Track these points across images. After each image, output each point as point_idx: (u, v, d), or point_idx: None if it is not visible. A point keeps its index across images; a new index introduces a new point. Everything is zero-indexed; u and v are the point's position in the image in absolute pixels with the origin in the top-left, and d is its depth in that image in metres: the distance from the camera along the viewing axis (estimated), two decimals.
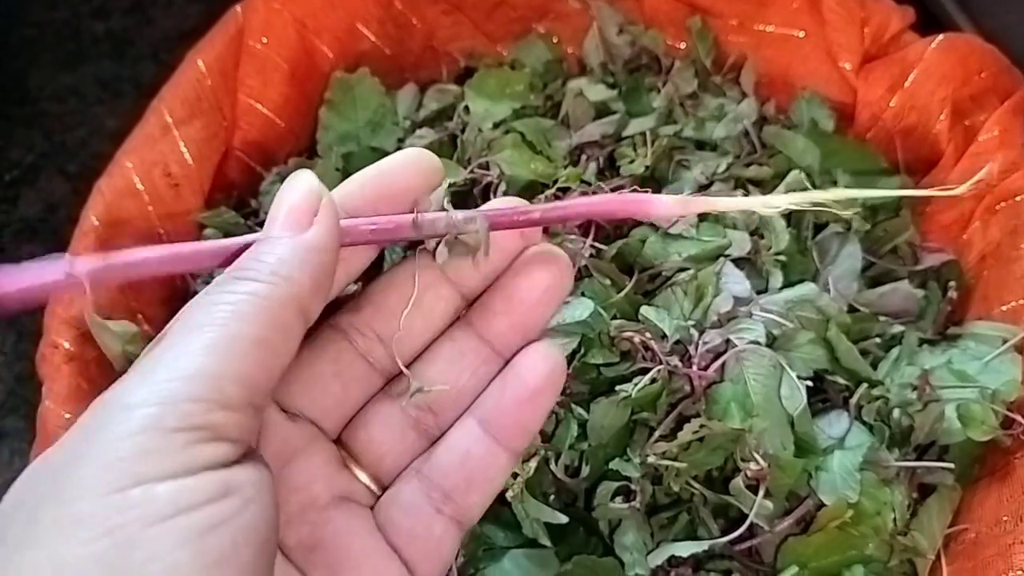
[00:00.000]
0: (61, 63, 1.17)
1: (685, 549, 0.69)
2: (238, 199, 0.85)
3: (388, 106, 0.89)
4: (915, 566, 0.73)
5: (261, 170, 0.86)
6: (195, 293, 0.80)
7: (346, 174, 0.80)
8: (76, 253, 0.76)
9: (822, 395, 0.77)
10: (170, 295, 0.81)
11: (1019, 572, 0.67)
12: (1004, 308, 0.80)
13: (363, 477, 0.46)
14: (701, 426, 0.69)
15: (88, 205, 0.77)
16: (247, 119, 0.86)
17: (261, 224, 0.83)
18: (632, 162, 0.82)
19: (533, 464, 0.68)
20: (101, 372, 0.74)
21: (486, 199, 0.78)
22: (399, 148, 0.86)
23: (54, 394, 0.71)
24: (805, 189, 0.83)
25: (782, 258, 0.79)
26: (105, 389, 0.73)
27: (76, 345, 0.73)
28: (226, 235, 0.81)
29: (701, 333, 0.74)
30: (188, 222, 0.81)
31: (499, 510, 0.72)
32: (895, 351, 0.79)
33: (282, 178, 0.83)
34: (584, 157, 0.85)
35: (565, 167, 0.82)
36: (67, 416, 0.70)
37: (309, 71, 0.88)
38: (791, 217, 0.83)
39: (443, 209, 0.45)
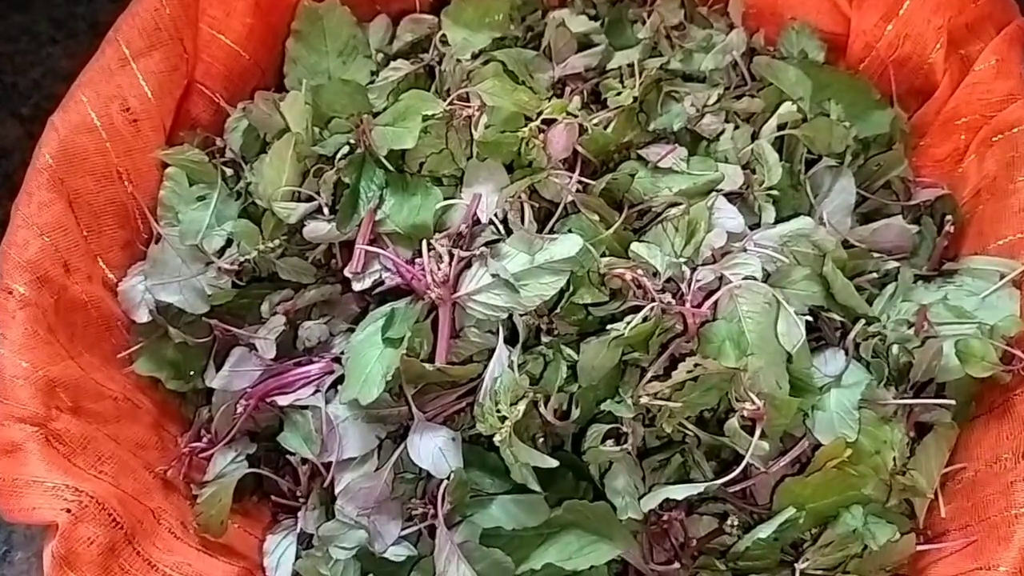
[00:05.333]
0: (12, 1, 1.11)
1: (680, 492, 0.66)
2: (202, 136, 0.80)
3: (359, 37, 0.84)
4: (913, 506, 0.72)
5: (226, 105, 0.81)
6: (159, 237, 0.77)
7: (316, 108, 0.77)
8: (30, 192, 0.72)
9: (817, 333, 0.74)
10: (131, 238, 0.76)
11: (1021, 509, 0.65)
12: (1000, 242, 0.78)
13: None
14: (695, 365, 0.66)
15: (41, 142, 0.72)
16: (209, 51, 0.80)
17: (226, 163, 0.79)
18: (619, 94, 0.78)
19: (521, 407, 0.65)
20: (59, 319, 0.70)
21: (467, 131, 0.75)
22: (372, 81, 0.82)
23: (9, 342, 0.66)
24: (797, 121, 0.80)
25: (775, 193, 0.76)
26: (65, 337, 0.70)
27: (32, 290, 0.68)
28: (190, 174, 0.77)
29: (694, 270, 0.71)
30: (149, 160, 0.76)
31: (486, 455, 0.69)
32: (890, 287, 0.77)
33: (248, 114, 0.80)
34: (568, 90, 0.81)
35: (548, 99, 0.78)
36: (24, 365, 0.66)
37: (275, 0, 0.83)
38: (783, 150, 0.80)
39: None
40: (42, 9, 1.10)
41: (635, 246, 0.71)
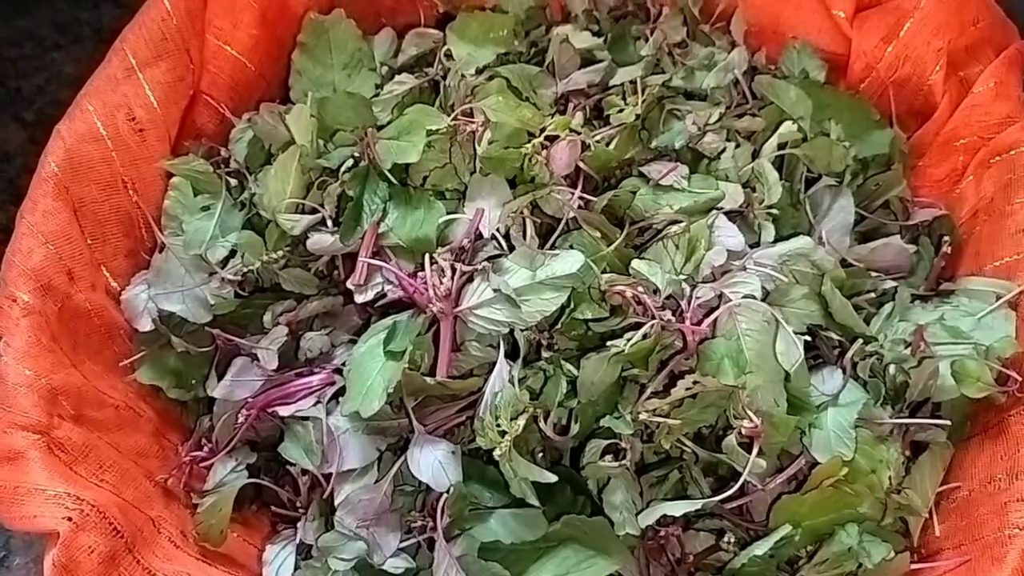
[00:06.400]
0: (16, 5, 1.11)
1: (677, 508, 0.67)
2: (207, 147, 0.81)
3: (365, 50, 0.85)
4: (908, 524, 0.73)
5: (231, 116, 0.82)
6: (163, 246, 0.77)
7: (321, 121, 0.77)
8: (35, 200, 0.72)
9: (814, 351, 0.75)
10: (135, 247, 0.76)
11: (1015, 530, 0.66)
12: (997, 264, 0.79)
13: None
14: (694, 383, 0.67)
15: (47, 150, 0.73)
16: (215, 62, 0.81)
17: (231, 174, 0.80)
18: (621, 111, 0.79)
19: (521, 422, 0.66)
20: (63, 327, 0.70)
21: (471, 146, 0.75)
22: (377, 94, 0.82)
23: (12, 350, 0.67)
24: (798, 140, 0.81)
25: (775, 212, 0.77)
26: (68, 345, 0.70)
27: (36, 298, 0.68)
28: (195, 184, 0.78)
29: (693, 287, 0.72)
30: (154, 170, 0.77)
31: (485, 469, 0.70)
32: (887, 307, 0.78)
33: (253, 125, 0.80)
34: (571, 106, 0.82)
35: (551, 115, 0.78)
36: (27, 372, 0.66)
37: (281, 12, 0.83)
38: (783, 169, 0.80)
39: None
40: (46, 14, 1.11)
41: (636, 263, 0.72)
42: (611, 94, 0.82)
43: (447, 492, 0.67)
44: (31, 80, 1.07)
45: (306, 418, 0.72)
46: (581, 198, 0.75)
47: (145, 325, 0.74)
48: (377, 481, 0.70)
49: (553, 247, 0.73)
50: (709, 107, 0.82)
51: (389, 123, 0.78)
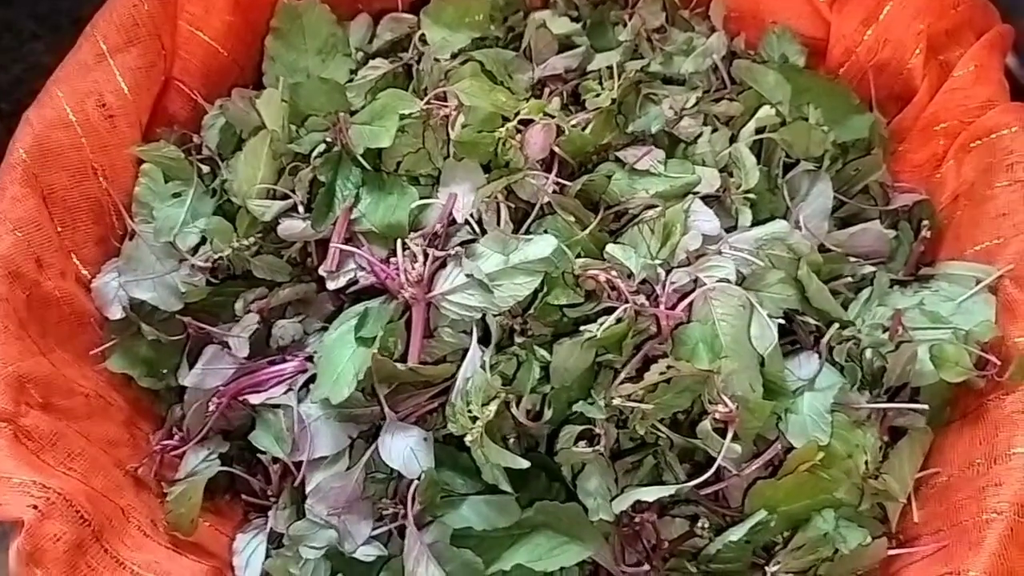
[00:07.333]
0: None
1: (651, 494, 0.66)
2: (179, 133, 0.80)
3: (339, 35, 0.84)
4: (886, 510, 0.72)
5: (203, 102, 0.81)
6: (134, 233, 0.77)
7: (294, 106, 0.76)
8: (3, 187, 0.71)
9: (791, 336, 0.74)
10: (105, 234, 0.76)
11: (993, 515, 0.65)
12: (977, 248, 0.78)
13: None
14: (668, 367, 0.66)
15: (15, 137, 0.72)
16: (188, 47, 0.80)
17: (203, 160, 0.79)
18: (598, 95, 0.78)
19: (493, 408, 0.65)
20: (31, 315, 0.69)
21: (444, 131, 0.74)
22: (351, 80, 0.82)
23: None
24: (776, 125, 0.80)
25: (752, 196, 0.76)
26: (37, 333, 0.69)
27: (3, 285, 0.68)
28: (166, 171, 0.77)
29: (668, 272, 0.71)
30: (125, 156, 0.76)
31: (458, 455, 0.69)
32: (865, 292, 0.77)
33: (225, 110, 0.79)
34: (548, 91, 0.81)
35: (527, 100, 0.77)
36: None
37: None
38: (761, 154, 0.80)
39: None
40: (24, 4, 1.10)
41: (610, 247, 0.71)
42: (588, 79, 0.81)
43: (418, 479, 0.66)
44: (9, 71, 1.06)
45: (277, 406, 0.71)
46: (556, 183, 0.74)
47: (115, 313, 0.74)
48: (348, 469, 0.69)
49: (527, 232, 0.73)
50: (686, 92, 0.81)
51: (362, 108, 0.77)
